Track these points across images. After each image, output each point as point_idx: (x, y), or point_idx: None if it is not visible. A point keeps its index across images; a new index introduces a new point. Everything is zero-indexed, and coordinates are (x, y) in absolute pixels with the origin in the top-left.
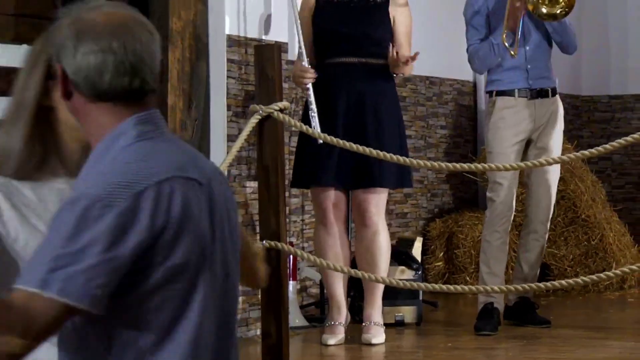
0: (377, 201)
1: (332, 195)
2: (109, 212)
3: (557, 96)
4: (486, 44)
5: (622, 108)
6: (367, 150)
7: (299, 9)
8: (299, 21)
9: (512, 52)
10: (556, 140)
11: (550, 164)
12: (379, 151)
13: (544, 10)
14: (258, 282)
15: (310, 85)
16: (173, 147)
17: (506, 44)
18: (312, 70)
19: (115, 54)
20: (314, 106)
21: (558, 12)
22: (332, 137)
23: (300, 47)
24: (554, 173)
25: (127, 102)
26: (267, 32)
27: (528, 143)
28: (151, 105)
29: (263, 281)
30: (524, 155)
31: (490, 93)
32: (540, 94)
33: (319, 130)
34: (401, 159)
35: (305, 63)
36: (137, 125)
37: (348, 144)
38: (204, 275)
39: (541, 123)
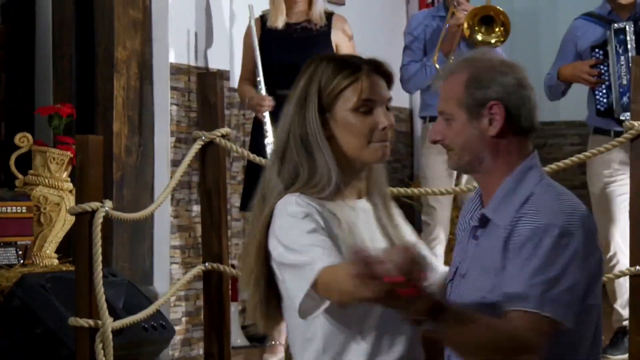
0: None
1: None
2: (573, 239)
3: None
4: (419, 64)
5: (554, 134)
6: None
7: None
8: (257, 51)
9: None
10: None
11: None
12: None
13: (479, 37)
14: None
15: (267, 114)
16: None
17: (437, 65)
18: (270, 98)
19: (532, 89)
20: (269, 134)
21: (493, 41)
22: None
23: (257, 76)
24: None
25: (529, 137)
26: (209, 60)
27: None
28: None
29: None
30: (458, 180)
31: (424, 118)
32: None
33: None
34: None
35: (264, 91)
36: (534, 158)
37: None
38: None
39: None
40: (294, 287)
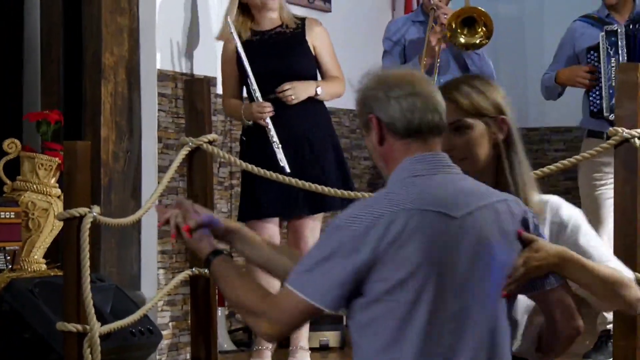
0: (313, 227)
1: (268, 228)
2: (342, 232)
3: None
4: None
5: (539, 140)
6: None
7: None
8: (247, 62)
9: (432, 81)
10: None
11: None
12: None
13: (462, 40)
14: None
15: (269, 120)
16: (441, 184)
17: (424, 72)
18: (269, 104)
19: (421, 96)
20: (276, 138)
21: (477, 41)
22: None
23: (252, 84)
24: None
25: (417, 139)
26: (196, 67)
27: None
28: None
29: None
30: None
31: None
32: None
33: (284, 160)
34: (326, 189)
35: (260, 98)
36: (415, 163)
37: (287, 179)
38: (427, 295)
39: None
40: None
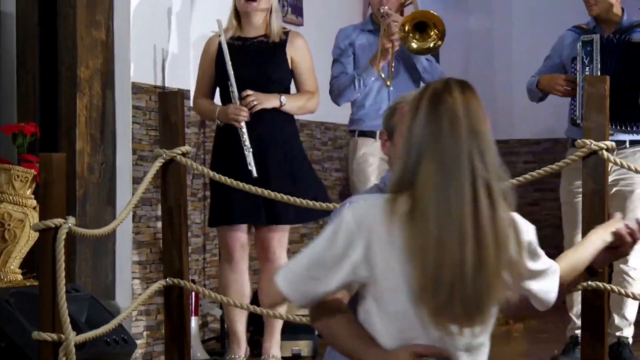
0: (280, 237)
1: (239, 235)
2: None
3: None
4: (349, 77)
5: (508, 152)
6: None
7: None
8: (230, 65)
9: (388, 82)
10: None
11: None
12: (275, 192)
13: (414, 45)
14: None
15: (243, 124)
16: None
17: (382, 74)
18: (246, 109)
19: None
20: (248, 142)
21: (431, 45)
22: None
23: (232, 86)
24: None
25: None
26: (170, 80)
27: None
28: None
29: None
30: None
31: (352, 132)
32: None
33: (253, 164)
34: (298, 200)
35: (238, 102)
36: None
37: (254, 189)
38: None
39: None
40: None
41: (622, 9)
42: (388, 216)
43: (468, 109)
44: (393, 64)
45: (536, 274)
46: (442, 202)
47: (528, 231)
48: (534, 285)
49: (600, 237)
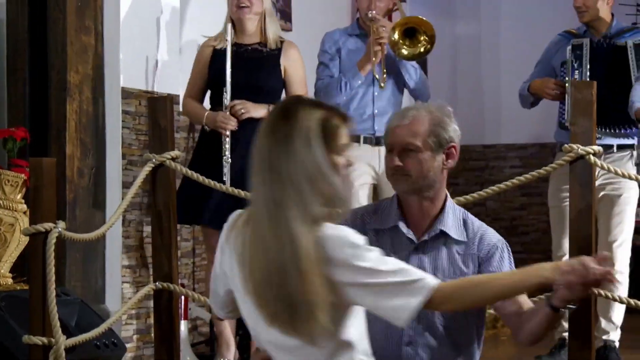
0: None
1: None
2: None
3: None
4: (335, 80)
5: (495, 157)
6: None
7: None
8: (229, 72)
9: (382, 84)
10: None
11: None
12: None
13: (404, 52)
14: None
15: (229, 133)
16: None
17: (376, 76)
18: (235, 120)
19: None
20: (228, 153)
21: (421, 50)
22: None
23: (226, 92)
24: None
25: None
26: (159, 85)
27: (375, 188)
28: None
29: None
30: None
31: None
32: None
33: (228, 176)
34: None
35: (228, 111)
36: None
37: (237, 191)
38: None
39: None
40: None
41: (612, 15)
42: (231, 227)
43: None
44: (385, 68)
45: (368, 289)
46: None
47: (339, 247)
48: (369, 301)
49: (536, 271)
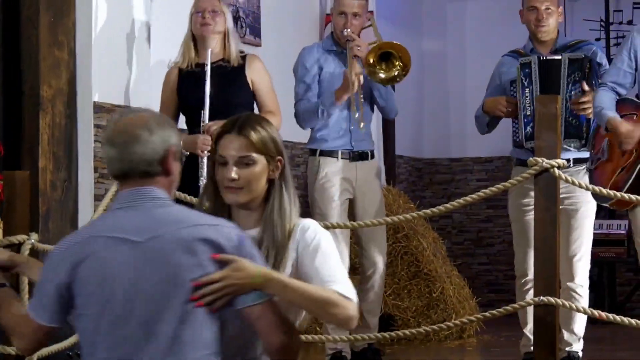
0: None
1: None
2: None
3: (375, 158)
4: (313, 105)
5: (461, 170)
6: None
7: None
8: (208, 93)
9: (361, 126)
10: (376, 200)
11: (390, 223)
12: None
13: (382, 75)
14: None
15: (206, 153)
16: (131, 214)
17: (354, 105)
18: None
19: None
20: (205, 175)
21: (396, 73)
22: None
23: (204, 114)
24: (383, 231)
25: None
26: (131, 99)
27: (351, 202)
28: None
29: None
30: (350, 214)
31: (313, 151)
32: (362, 156)
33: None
34: None
35: (205, 132)
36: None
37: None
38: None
39: (362, 184)
40: None
41: (557, 31)
42: None
43: None
44: (362, 96)
45: None
46: None
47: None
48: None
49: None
